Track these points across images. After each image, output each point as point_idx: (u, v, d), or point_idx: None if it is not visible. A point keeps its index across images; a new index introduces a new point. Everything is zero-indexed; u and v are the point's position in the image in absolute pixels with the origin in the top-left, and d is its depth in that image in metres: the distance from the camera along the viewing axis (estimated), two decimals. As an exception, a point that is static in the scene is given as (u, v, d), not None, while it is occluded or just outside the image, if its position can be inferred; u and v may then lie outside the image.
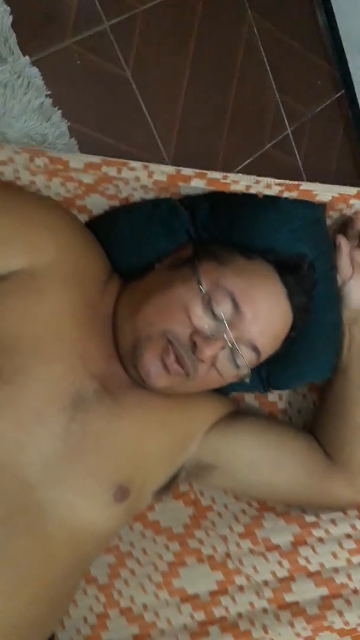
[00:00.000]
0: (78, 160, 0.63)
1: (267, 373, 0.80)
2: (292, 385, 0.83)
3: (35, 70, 0.87)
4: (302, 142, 1.30)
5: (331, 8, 1.25)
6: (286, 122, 1.26)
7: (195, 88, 1.10)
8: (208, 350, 0.64)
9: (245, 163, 1.21)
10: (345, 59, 1.30)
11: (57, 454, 0.63)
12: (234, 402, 0.85)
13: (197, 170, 0.62)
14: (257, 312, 0.66)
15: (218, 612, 0.78)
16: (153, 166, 0.62)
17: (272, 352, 0.72)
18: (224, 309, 0.65)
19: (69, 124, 0.93)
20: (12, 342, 0.62)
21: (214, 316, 0.65)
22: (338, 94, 1.37)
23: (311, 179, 1.36)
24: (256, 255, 0.70)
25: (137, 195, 0.75)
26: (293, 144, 1.29)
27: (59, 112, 0.91)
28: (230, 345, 0.65)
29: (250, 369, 0.70)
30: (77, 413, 0.64)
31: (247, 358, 0.67)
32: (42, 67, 0.88)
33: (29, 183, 0.71)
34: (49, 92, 0.89)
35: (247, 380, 0.70)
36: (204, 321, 0.65)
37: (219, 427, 0.79)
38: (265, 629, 0.77)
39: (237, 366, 0.68)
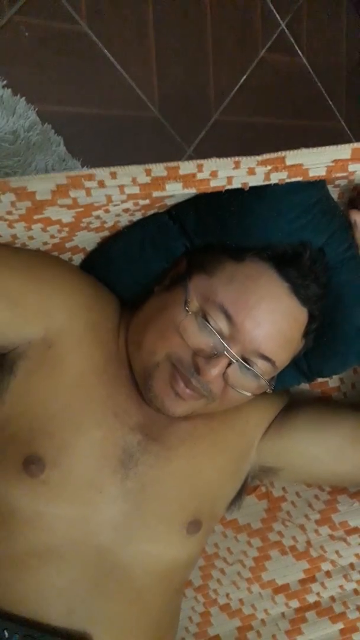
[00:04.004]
0: (44, 186, 0.55)
1: (308, 365, 0.76)
2: (338, 372, 0.78)
3: (-18, 61, 0.75)
4: (301, 33, 1.08)
5: None
6: (277, 16, 1.05)
7: (163, 14, 0.93)
8: (213, 370, 0.61)
9: (242, 81, 1.03)
10: None
11: (122, 514, 0.64)
12: (284, 395, 0.82)
13: (168, 165, 0.56)
14: (256, 319, 0.62)
15: (311, 598, 0.80)
16: (120, 171, 0.56)
17: (294, 354, 0.68)
18: (218, 324, 0.62)
19: (36, 109, 0.83)
20: (46, 423, 0.63)
21: (212, 333, 0.62)
22: None
23: (322, 76, 1.14)
24: (249, 256, 0.64)
25: (124, 221, 0.70)
26: (291, 39, 1.08)
27: (23, 99, 0.80)
28: (235, 360, 0.62)
29: (281, 371, 0.67)
30: (128, 470, 0.65)
31: (260, 369, 0.64)
32: (-12, 55, 0.77)
33: (11, 238, 0.65)
34: (4, 82, 0.78)
35: (269, 390, 0.67)
36: (200, 341, 0.62)
37: (273, 429, 0.77)
38: (359, 609, 0.78)
39: (254, 378, 0.65)
